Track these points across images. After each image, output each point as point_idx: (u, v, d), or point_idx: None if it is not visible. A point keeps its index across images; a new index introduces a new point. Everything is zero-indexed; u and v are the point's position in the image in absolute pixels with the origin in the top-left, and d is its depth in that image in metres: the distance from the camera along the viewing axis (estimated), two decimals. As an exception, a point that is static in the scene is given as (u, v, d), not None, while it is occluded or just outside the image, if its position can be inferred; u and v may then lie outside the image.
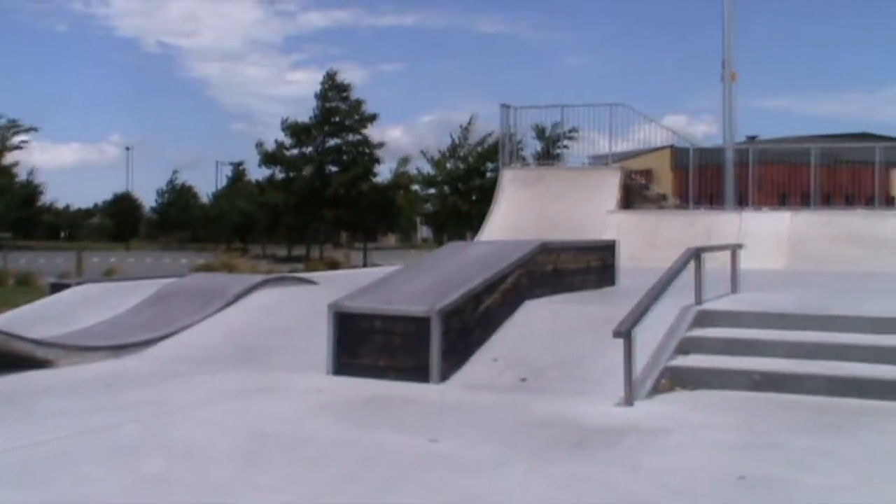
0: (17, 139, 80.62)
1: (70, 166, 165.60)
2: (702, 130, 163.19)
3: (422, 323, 9.48)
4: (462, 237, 44.41)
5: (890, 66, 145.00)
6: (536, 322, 10.72)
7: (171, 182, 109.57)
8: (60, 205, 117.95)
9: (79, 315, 12.35)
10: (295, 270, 29.82)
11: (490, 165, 51.68)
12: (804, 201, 26.05)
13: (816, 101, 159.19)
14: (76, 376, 9.69)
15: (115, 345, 10.94)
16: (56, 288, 14.58)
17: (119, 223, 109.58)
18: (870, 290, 13.82)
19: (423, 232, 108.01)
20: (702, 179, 26.18)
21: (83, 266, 35.88)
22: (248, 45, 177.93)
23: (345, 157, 65.49)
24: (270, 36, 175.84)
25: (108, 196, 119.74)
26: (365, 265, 46.84)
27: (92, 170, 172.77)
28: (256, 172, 75.94)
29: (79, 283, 14.98)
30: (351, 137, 66.07)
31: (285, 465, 6.33)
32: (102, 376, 9.58)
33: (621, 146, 26.11)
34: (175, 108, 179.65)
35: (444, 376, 9.38)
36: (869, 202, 25.80)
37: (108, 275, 31.44)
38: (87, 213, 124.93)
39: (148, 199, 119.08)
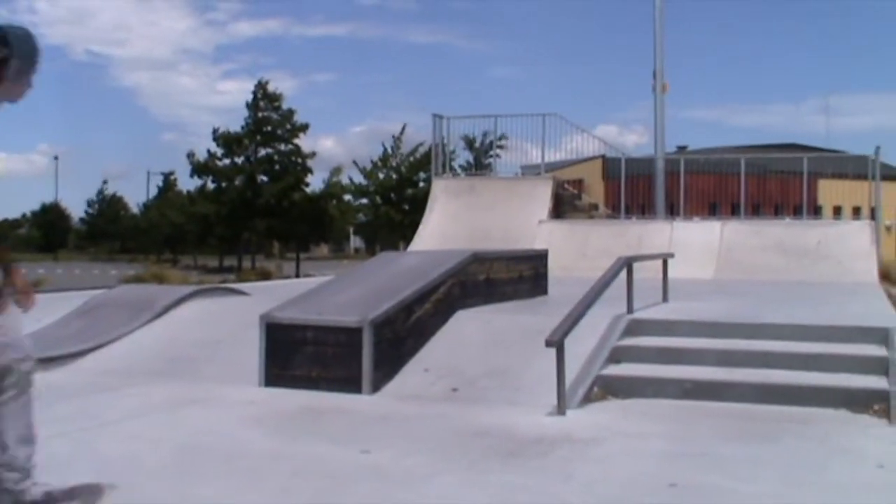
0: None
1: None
2: (633, 140, 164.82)
3: (353, 333, 9.43)
4: (394, 247, 44.41)
5: (813, 78, 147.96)
6: (468, 332, 10.73)
7: (100, 192, 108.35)
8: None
9: (4, 328, 12.10)
10: (226, 281, 29.50)
11: (422, 175, 51.73)
12: (734, 211, 26.38)
13: (743, 112, 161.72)
14: (1, 390, 9.50)
15: (42, 357, 10.71)
16: (-20, 300, 14.27)
17: (47, 234, 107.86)
18: (796, 299, 14.04)
19: (356, 242, 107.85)
20: (633, 189, 26.42)
21: (9, 277, 35.17)
22: (178, 54, 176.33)
23: (276, 168, 65.16)
24: (201, 45, 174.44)
25: (35, 206, 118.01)
26: (297, 276, 46.60)
27: (19, 180, 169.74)
28: (187, 183, 75.30)
29: (4, 295, 14.69)
30: (282, 147, 65.77)
31: (217, 478, 6.25)
32: (28, 390, 9.40)
33: (553, 156, 26.31)
34: (105, 118, 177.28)
35: (376, 387, 9.35)
36: (797, 212, 26.20)
37: (36, 286, 30.81)
38: (14, 224, 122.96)
39: (77, 209, 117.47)
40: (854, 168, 26.60)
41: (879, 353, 9.41)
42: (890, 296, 14.98)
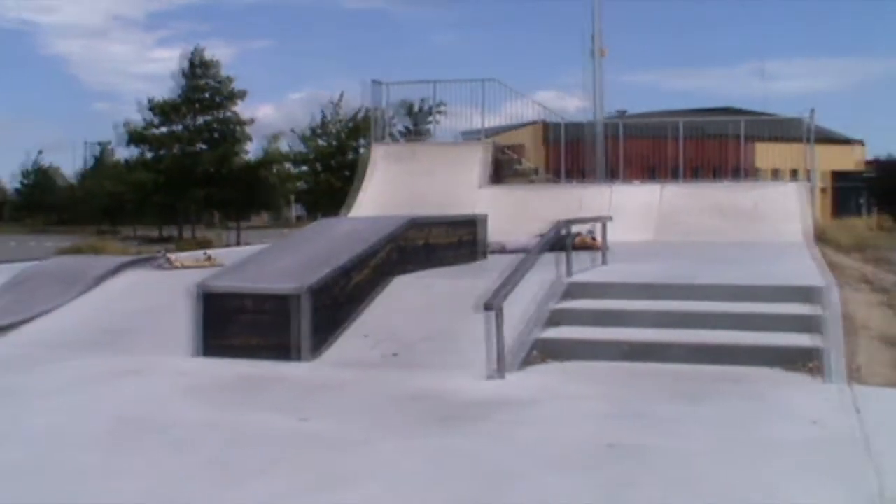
0: None
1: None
2: (573, 105, 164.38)
3: (291, 301, 9.36)
4: (335, 214, 44.15)
5: (748, 42, 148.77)
6: (407, 297, 10.70)
7: (35, 163, 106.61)
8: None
9: (-66, 301, 11.88)
10: (165, 251, 29.18)
11: (361, 142, 51.48)
12: (673, 174, 26.50)
13: (680, 76, 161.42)
14: (-69, 364, 9.34)
15: (-27, 331, 10.57)
16: None
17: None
18: (732, 260, 14.14)
19: (297, 210, 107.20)
20: (572, 153, 26.42)
21: (-58, 250, 34.65)
22: (109, 21, 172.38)
23: (214, 136, 64.50)
24: (133, 12, 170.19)
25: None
26: (238, 244, 46.23)
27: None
28: (124, 152, 74.20)
29: (-66, 268, 14.42)
30: (220, 115, 65.09)
31: (150, 449, 6.19)
32: (-41, 363, 9.25)
33: (493, 122, 26.17)
34: (36, 87, 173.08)
35: (315, 354, 9.30)
36: (735, 174, 26.38)
37: (-31, 259, 30.38)
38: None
39: (11, 181, 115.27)
40: (790, 131, 26.85)
41: (813, 311, 9.51)
42: (824, 256, 15.16)
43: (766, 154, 29.86)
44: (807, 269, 12.42)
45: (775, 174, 32.80)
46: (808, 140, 23.76)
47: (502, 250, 15.20)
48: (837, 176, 48.19)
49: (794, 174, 28.78)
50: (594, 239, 14.80)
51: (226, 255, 15.37)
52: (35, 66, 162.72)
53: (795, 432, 6.48)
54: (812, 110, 23.55)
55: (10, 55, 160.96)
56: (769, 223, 20.32)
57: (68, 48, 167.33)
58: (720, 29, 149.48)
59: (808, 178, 23.32)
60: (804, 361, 8.42)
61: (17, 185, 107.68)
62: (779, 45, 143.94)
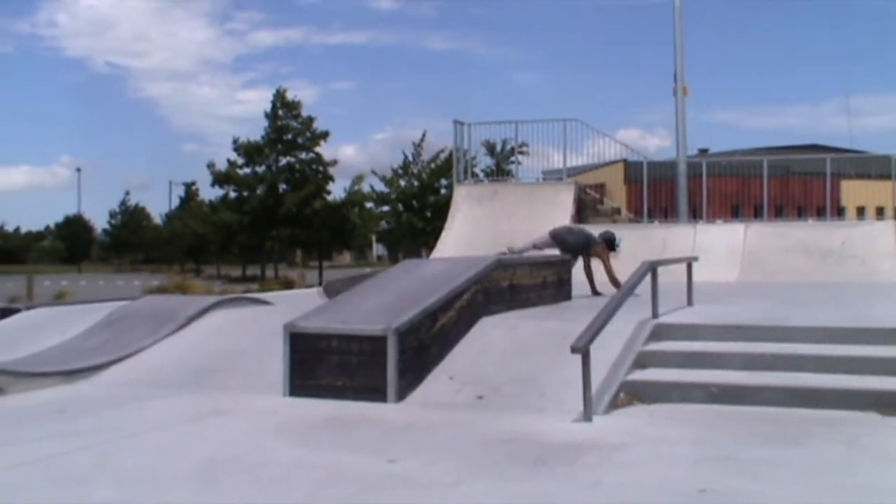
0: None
1: (20, 189, 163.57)
2: (655, 144, 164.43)
3: (378, 342, 9.41)
4: (417, 254, 44.38)
5: (832, 79, 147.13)
6: (493, 339, 10.69)
7: (123, 203, 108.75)
8: (10, 228, 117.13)
9: (29, 340, 12.14)
10: (249, 291, 29.57)
11: (444, 182, 51.65)
12: (757, 213, 26.23)
13: (763, 114, 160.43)
14: (26, 403, 9.51)
15: (67, 370, 10.77)
16: (5, 313, 14.29)
17: (71, 245, 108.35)
18: (821, 301, 13.93)
19: (378, 250, 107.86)
20: (655, 193, 26.31)
21: (33, 290, 35.42)
22: (198, 64, 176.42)
23: (297, 176, 65.21)
24: (221, 55, 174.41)
25: (59, 218, 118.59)
26: (320, 284, 46.60)
27: (42, 192, 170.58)
28: (209, 193, 75.52)
29: (29, 308, 14.75)
30: (303, 156, 65.83)
31: (242, 488, 6.24)
32: (53, 402, 9.41)
33: (574, 161, 26.20)
34: (126, 129, 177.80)
35: (402, 395, 9.32)
36: (820, 213, 26.03)
37: (60, 298, 31.08)
38: (37, 236, 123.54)
39: (100, 220, 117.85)
40: (877, 168, 26.45)
41: (908, 354, 9.32)
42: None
43: (852, 192, 29.45)
44: (900, 310, 12.18)
45: (861, 212, 32.32)
46: (896, 177, 23.37)
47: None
48: (927, 214, 47.25)
49: (880, 212, 28.32)
50: None
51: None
52: (126, 109, 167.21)
53: (890, 478, 6.35)
54: (901, 147, 23.15)
55: (103, 98, 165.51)
56: (858, 262, 20.02)
57: (158, 91, 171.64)
58: (803, 66, 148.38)
59: (896, 216, 22.91)
60: (900, 406, 8.25)
61: (106, 225, 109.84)
62: (864, 80, 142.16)
